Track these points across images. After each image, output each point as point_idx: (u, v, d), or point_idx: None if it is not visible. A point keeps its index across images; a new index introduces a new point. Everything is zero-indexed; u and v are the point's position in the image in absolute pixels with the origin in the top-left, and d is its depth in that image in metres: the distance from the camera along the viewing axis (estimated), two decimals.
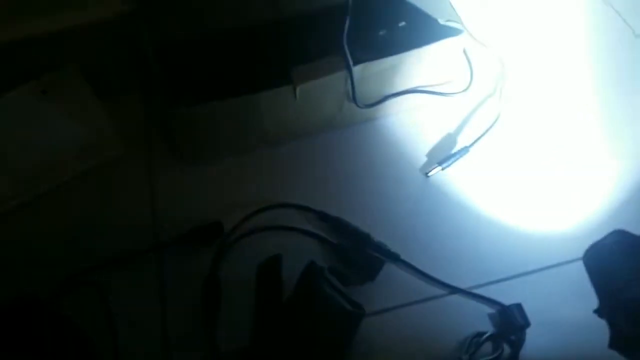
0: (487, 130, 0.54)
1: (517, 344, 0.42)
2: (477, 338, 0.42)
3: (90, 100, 0.59)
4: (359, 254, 0.48)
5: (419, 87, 0.54)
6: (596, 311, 0.36)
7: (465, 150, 0.53)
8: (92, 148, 0.56)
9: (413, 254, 0.48)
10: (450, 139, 0.55)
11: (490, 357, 0.42)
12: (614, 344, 0.32)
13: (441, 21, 0.52)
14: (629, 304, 0.34)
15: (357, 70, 0.49)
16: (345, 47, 0.47)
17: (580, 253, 0.47)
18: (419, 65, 0.52)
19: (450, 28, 0.52)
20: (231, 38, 0.51)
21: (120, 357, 0.44)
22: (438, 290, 0.47)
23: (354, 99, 0.51)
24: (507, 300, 0.45)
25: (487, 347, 0.43)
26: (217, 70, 0.51)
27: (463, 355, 0.41)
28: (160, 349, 0.45)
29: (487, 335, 0.42)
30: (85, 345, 0.43)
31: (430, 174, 0.52)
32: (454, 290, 0.46)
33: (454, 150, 0.53)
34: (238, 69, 0.52)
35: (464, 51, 0.57)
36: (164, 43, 0.49)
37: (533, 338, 0.44)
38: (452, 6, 0.53)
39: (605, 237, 0.38)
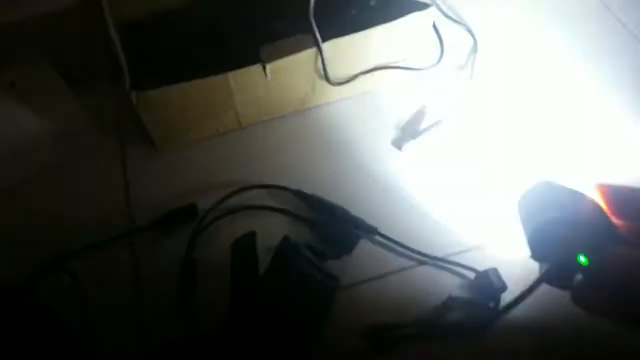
0: (458, 103, 0.55)
1: (493, 308, 0.43)
2: (449, 302, 0.42)
3: (60, 90, 0.58)
4: (336, 229, 0.48)
5: (389, 62, 0.54)
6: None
7: (438, 123, 0.53)
8: (64, 138, 0.56)
9: (390, 227, 0.48)
10: (422, 113, 0.55)
11: (464, 321, 0.42)
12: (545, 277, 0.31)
13: None
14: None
15: (326, 46, 0.49)
16: (313, 23, 0.47)
17: None
18: (389, 40, 0.52)
19: (419, 3, 0.52)
20: (197, 18, 0.50)
21: (98, 343, 0.44)
22: (415, 260, 0.47)
23: (325, 76, 0.51)
24: (485, 267, 0.46)
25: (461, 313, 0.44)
26: (185, 51, 0.51)
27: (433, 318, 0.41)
28: (138, 332, 0.45)
29: (460, 299, 0.43)
30: (63, 331, 0.43)
31: (404, 148, 0.53)
32: (430, 258, 0.47)
33: (427, 124, 0.54)
34: (206, 50, 0.51)
35: (434, 25, 0.57)
36: (128, 25, 0.48)
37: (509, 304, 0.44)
38: None
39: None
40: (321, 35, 0.48)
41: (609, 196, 0.29)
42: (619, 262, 0.25)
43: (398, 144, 0.53)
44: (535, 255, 0.31)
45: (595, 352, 0.42)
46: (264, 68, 0.48)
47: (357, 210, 0.49)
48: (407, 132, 0.54)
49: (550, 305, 0.42)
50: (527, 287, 0.32)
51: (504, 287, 0.44)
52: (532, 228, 0.30)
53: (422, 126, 0.54)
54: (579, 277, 0.29)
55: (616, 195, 0.29)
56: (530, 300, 0.44)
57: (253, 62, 0.47)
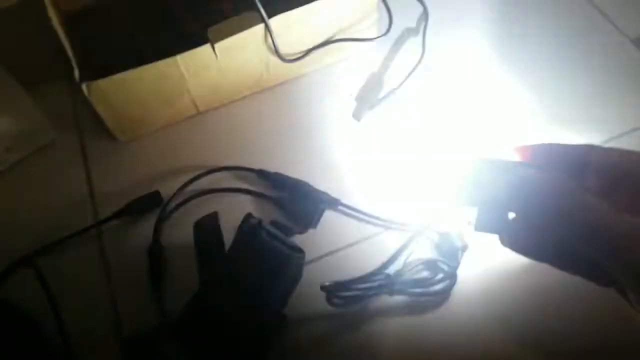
0: (412, 71, 0.55)
1: (454, 267, 0.44)
2: (411, 261, 0.43)
3: (14, 90, 0.57)
4: (300, 204, 0.49)
5: (340, 35, 0.54)
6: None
7: (393, 92, 0.54)
8: (23, 138, 0.55)
9: (353, 197, 0.49)
10: (378, 83, 0.56)
11: (427, 279, 0.43)
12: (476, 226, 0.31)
13: None
14: None
15: (274, 23, 0.49)
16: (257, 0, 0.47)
17: None
18: (336, 13, 0.52)
19: None
20: (140, 2, 0.50)
21: (71, 337, 0.44)
22: (380, 227, 0.48)
23: (277, 53, 0.51)
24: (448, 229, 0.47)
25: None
26: (132, 37, 0.50)
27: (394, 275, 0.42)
28: (111, 323, 0.45)
29: (422, 259, 0.44)
30: (33, 329, 0.43)
31: (361, 119, 0.53)
32: (394, 224, 0.47)
33: (383, 94, 0.54)
34: (153, 34, 0.51)
35: None
36: (70, 16, 0.47)
37: (469, 264, 0.45)
38: None
39: None
40: (267, 12, 0.48)
41: (527, 154, 0.30)
42: (537, 184, 0.26)
43: (356, 115, 0.54)
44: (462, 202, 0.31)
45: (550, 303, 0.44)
46: (213, 48, 0.47)
47: (319, 184, 0.50)
48: (365, 104, 0.54)
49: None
50: None
51: (465, 247, 0.45)
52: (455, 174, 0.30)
53: (379, 96, 0.54)
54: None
55: (533, 151, 0.29)
56: (492, 253, 0.46)
57: (201, 44, 0.47)
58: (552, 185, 0.25)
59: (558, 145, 0.29)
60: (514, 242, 0.29)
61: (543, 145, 0.29)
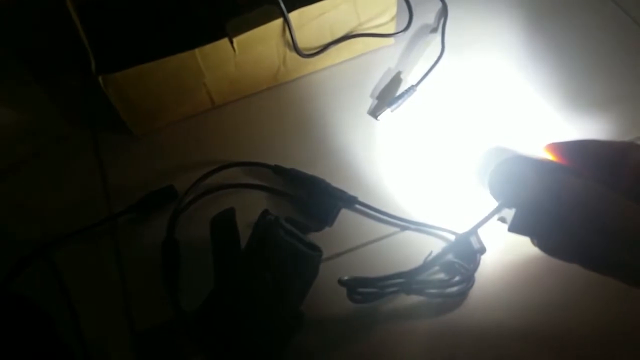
0: (431, 68, 0.54)
1: (472, 269, 0.43)
2: (428, 262, 0.42)
3: (27, 83, 0.57)
4: (316, 201, 0.48)
5: (359, 30, 0.54)
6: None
7: (412, 89, 0.53)
8: (35, 131, 0.55)
9: (370, 195, 0.48)
10: (396, 80, 0.55)
11: (444, 280, 0.43)
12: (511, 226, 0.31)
13: None
14: None
15: (293, 16, 0.48)
16: None
17: None
18: (356, 8, 0.51)
19: None
20: None
21: (84, 330, 0.44)
22: (397, 226, 0.47)
23: (295, 47, 0.50)
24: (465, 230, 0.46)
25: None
26: (149, 29, 0.50)
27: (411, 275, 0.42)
28: (124, 318, 0.45)
29: (438, 260, 0.43)
30: (46, 323, 0.43)
31: (380, 116, 0.52)
32: (411, 224, 0.47)
33: (401, 91, 0.53)
34: (171, 27, 0.50)
35: None
36: (86, 6, 0.47)
37: (487, 267, 0.44)
38: None
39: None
40: (286, 6, 0.47)
41: (560, 152, 0.29)
42: (576, 191, 0.25)
43: (374, 112, 0.53)
44: (499, 200, 0.30)
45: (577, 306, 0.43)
46: (231, 42, 0.47)
47: (336, 181, 0.49)
48: (382, 100, 0.54)
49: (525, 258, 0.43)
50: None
51: (483, 249, 0.44)
52: (491, 170, 0.30)
53: (397, 93, 0.53)
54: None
55: (567, 149, 0.29)
56: (509, 257, 0.45)
57: (219, 37, 0.47)
58: (592, 193, 0.24)
59: (593, 142, 0.28)
60: (547, 245, 0.28)
61: (576, 142, 0.29)
